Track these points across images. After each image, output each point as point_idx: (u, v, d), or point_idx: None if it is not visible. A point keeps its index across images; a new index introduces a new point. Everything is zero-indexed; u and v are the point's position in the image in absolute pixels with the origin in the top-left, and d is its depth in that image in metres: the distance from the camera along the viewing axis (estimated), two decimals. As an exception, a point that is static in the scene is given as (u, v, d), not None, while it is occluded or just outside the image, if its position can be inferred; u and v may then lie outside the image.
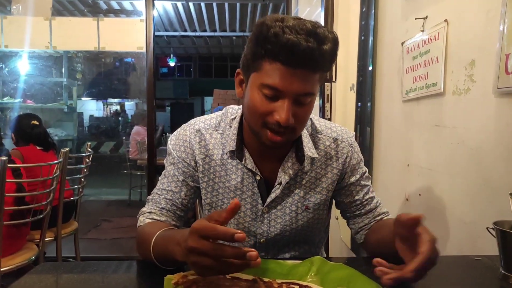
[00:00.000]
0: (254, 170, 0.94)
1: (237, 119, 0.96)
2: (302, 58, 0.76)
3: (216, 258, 0.59)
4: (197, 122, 1.00)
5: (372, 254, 0.93)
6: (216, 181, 0.97)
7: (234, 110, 1.00)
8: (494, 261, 0.84)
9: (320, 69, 0.81)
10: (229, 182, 0.96)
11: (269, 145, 0.85)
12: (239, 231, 0.58)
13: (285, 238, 0.99)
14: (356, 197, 0.99)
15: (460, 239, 1.22)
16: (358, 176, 0.99)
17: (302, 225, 0.98)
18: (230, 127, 0.96)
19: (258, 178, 0.94)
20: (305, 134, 0.96)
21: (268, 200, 0.95)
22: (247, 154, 0.94)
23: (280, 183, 0.94)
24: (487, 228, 0.82)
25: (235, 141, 0.93)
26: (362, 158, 1.03)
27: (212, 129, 0.98)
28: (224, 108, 1.02)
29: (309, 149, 0.94)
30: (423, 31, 1.46)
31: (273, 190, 0.95)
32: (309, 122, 0.99)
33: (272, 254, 1.00)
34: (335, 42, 0.80)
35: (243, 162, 0.94)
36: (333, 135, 0.99)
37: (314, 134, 0.99)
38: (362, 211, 0.99)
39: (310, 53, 0.76)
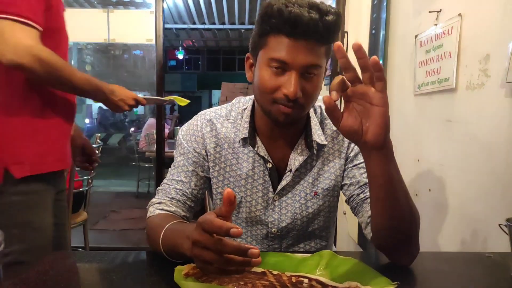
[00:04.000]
0: (266, 157, 0.95)
1: (249, 107, 0.97)
2: (305, 29, 0.79)
3: (217, 253, 0.59)
4: (208, 112, 1.01)
5: (379, 244, 0.84)
6: (227, 169, 0.97)
7: (246, 101, 1.01)
8: (506, 259, 0.83)
9: (325, 41, 0.83)
10: (240, 170, 0.96)
11: (282, 120, 0.86)
12: (235, 226, 0.57)
13: (297, 228, 0.98)
14: (359, 179, 0.96)
15: (471, 236, 1.21)
16: (361, 159, 0.97)
17: (312, 212, 0.98)
18: (242, 116, 0.98)
19: (269, 165, 0.95)
20: (315, 122, 0.97)
21: (279, 187, 0.96)
22: (259, 142, 0.95)
23: (291, 170, 0.95)
24: (499, 224, 0.81)
25: (248, 128, 0.94)
26: None
27: (223, 118, 0.99)
28: (235, 99, 1.03)
29: (318, 136, 0.95)
30: (436, 24, 1.43)
31: (283, 177, 0.96)
32: (318, 110, 1.01)
33: (286, 246, 1.00)
34: (337, 14, 0.82)
35: (255, 149, 0.95)
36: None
37: (323, 120, 1.00)
38: (368, 194, 0.92)
39: (313, 24, 0.78)
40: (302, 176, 0.97)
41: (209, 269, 0.62)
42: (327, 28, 0.80)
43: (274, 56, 0.82)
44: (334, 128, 0.99)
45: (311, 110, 0.98)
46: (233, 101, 1.03)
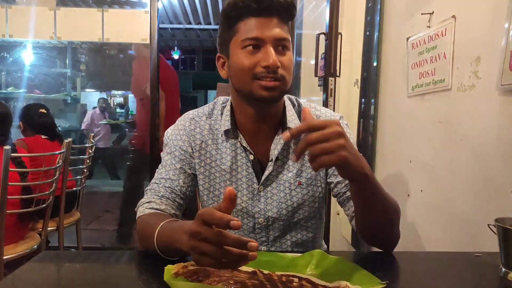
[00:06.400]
0: (248, 148, 0.98)
1: (228, 103, 1.02)
2: (270, 5, 0.88)
3: (216, 244, 0.59)
4: (190, 112, 1.06)
5: (363, 236, 0.93)
6: (213, 165, 1.00)
7: (225, 99, 1.05)
8: (495, 258, 0.84)
9: (287, 17, 0.91)
10: (225, 164, 0.99)
11: (266, 95, 0.89)
12: (235, 218, 0.58)
13: (282, 218, 1.00)
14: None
15: (461, 236, 1.22)
16: None
17: (297, 201, 1.00)
18: (222, 113, 1.02)
19: (251, 158, 0.98)
20: (291, 112, 1.00)
21: (263, 178, 0.98)
22: (240, 135, 0.99)
23: (272, 160, 0.98)
24: (488, 225, 0.82)
25: (229, 121, 0.98)
26: (351, 139, 0.99)
27: (205, 116, 1.04)
28: (216, 98, 1.08)
29: (294, 125, 0.98)
30: (429, 26, 1.45)
31: (266, 168, 0.99)
32: (296, 102, 1.05)
33: (273, 239, 1.01)
34: None
35: (238, 140, 0.98)
36: (316, 113, 1.04)
37: (299, 111, 1.03)
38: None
39: (276, 1, 0.88)
40: (285, 166, 1.00)
41: (204, 261, 0.61)
42: (287, 4, 0.89)
43: (247, 36, 0.88)
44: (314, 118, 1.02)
45: (289, 103, 1.02)
46: (214, 100, 1.07)
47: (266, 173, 0.98)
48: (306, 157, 0.99)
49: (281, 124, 0.99)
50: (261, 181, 0.99)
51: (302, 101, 1.07)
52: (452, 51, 1.30)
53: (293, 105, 1.04)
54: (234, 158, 0.99)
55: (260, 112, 0.96)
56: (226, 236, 0.58)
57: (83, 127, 5.71)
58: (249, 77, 0.89)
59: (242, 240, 0.58)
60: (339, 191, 1.00)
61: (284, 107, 1.00)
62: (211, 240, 0.59)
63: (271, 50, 0.87)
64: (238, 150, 0.99)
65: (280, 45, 0.89)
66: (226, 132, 0.99)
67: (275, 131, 0.99)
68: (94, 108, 6.18)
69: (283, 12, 0.90)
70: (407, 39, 1.60)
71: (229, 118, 0.98)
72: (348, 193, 0.98)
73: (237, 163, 0.99)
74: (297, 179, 1.00)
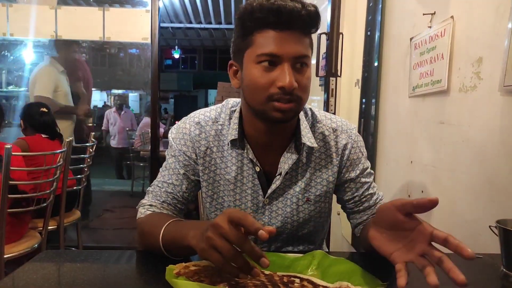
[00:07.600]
0: (254, 160, 0.93)
1: (238, 109, 0.95)
2: (290, 17, 0.79)
3: (233, 244, 0.59)
4: (197, 114, 0.99)
5: (364, 248, 0.93)
6: (217, 173, 0.96)
7: (235, 102, 0.99)
8: (496, 260, 0.84)
9: (308, 31, 0.83)
10: (229, 174, 0.95)
11: (279, 118, 0.82)
12: (269, 228, 0.57)
13: (287, 232, 0.98)
14: (355, 194, 0.98)
15: (462, 237, 1.21)
16: (358, 172, 0.97)
17: (303, 217, 0.97)
18: (230, 118, 0.96)
19: (257, 169, 0.94)
20: (304, 125, 0.94)
21: (269, 191, 0.94)
22: (247, 145, 0.93)
23: (280, 174, 0.93)
24: (489, 226, 0.82)
25: (237, 130, 0.92)
26: (364, 153, 1.00)
27: (212, 121, 0.97)
28: (224, 101, 1.01)
29: (308, 139, 0.92)
30: (430, 27, 1.45)
31: (273, 181, 0.94)
32: (309, 112, 0.98)
33: (274, 249, 1.00)
34: (316, 7, 0.83)
35: (244, 151, 0.93)
36: (332, 126, 0.98)
37: (314, 124, 0.98)
38: (361, 207, 0.98)
39: (297, 13, 0.79)
40: (293, 180, 0.96)
41: (212, 255, 0.60)
42: (310, 17, 0.80)
43: (263, 51, 0.80)
44: (327, 133, 0.97)
45: (302, 114, 0.95)
46: (223, 103, 1.00)
47: (273, 186, 0.94)
48: (316, 173, 0.96)
49: (293, 137, 0.94)
50: (267, 194, 0.95)
51: (316, 110, 1.01)
52: (449, 51, 1.30)
53: (306, 115, 0.97)
54: (240, 168, 0.94)
55: (272, 128, 0.90)
56: (246, 241, 0.58)
57: (103, 127, 6.00)
58: (263, 97, 0.82)
59: (258, 252, 0.58)
60: (347, 207, 1.01)
61: (298, 120, 0.94)
62: (230, 238, 0.58)
63: (289, 69, 0.79)
64: (245, 160, 0.94)
65: (299, 63, 0.81)
66: (232, 142, 0.92)
67: (287, 144, 0.93)
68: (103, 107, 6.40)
69: (306, 25, 0.81)
70: (411, 39, 1.60)
71: (237, 127, 0.92)
72: (355, 209, 0.99)
73: (243, 173, 0.94)
74: (305, 195, 0.96)
